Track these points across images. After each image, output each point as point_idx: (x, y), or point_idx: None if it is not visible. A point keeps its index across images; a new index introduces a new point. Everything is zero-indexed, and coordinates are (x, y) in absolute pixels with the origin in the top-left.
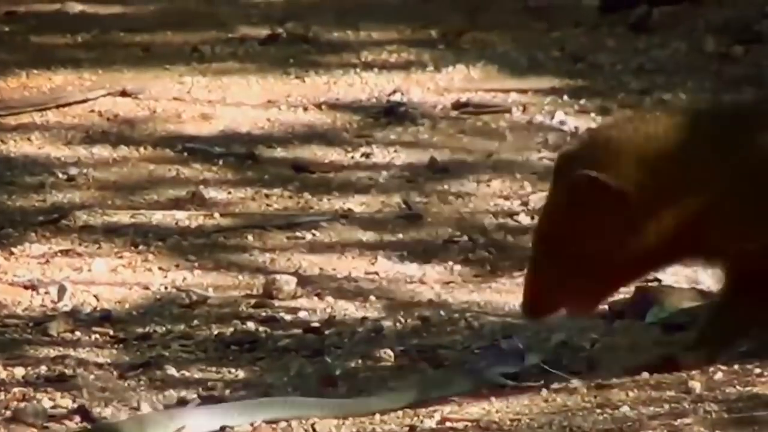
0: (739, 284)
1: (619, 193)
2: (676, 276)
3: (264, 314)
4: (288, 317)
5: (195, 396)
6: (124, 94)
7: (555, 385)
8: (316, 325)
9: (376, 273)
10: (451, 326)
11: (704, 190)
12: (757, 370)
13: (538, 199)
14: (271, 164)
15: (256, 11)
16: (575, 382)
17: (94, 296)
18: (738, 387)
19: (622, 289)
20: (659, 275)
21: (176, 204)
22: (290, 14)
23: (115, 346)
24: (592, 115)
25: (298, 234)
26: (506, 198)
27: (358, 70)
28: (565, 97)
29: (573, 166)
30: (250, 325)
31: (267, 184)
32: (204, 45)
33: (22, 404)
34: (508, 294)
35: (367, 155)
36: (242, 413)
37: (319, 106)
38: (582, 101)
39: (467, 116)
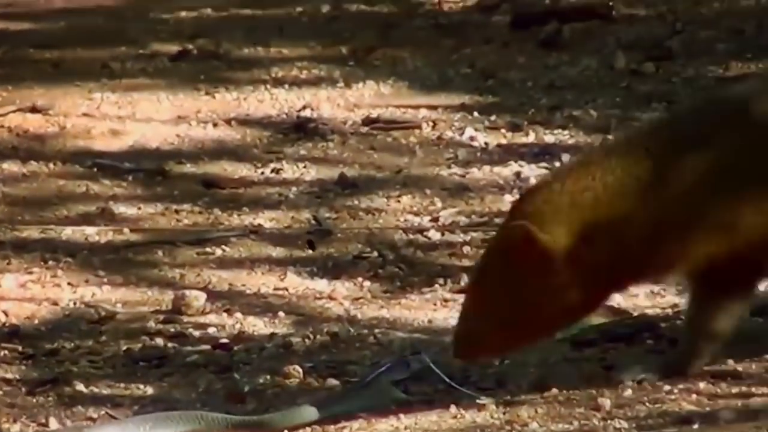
0: (706, 288)
1: (547, 251)
2: None
3: (173, 330)
4: (197, 333)
5: (103, 412)
6: (33, 110)
7: (464, 402)
8: (225, 341)
9: (286, 289)
10: (360, 342)
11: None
12: (666, 387)
13: (448, 215)
14: (180, 180)
15: (167, 27)
16: (484, 399)
17: (3, 312)
18: (647, 404)
19: None
20: None
21: (86, 219)
22: (200, 30)
23: (24, 362)
24: (503, 131)
25: (207, 250)
26: (416, 214)
27: (268, 86)
28: (476, 114)
29: (516, 214)
30: (159, 341)
31: (177, 199)
32: (114, 61)
33: None
34: (417, 310)
35: (276, 171)
36: (153, 427)
37: (229, 122)
38: (492, 117)
39: (377, 132)
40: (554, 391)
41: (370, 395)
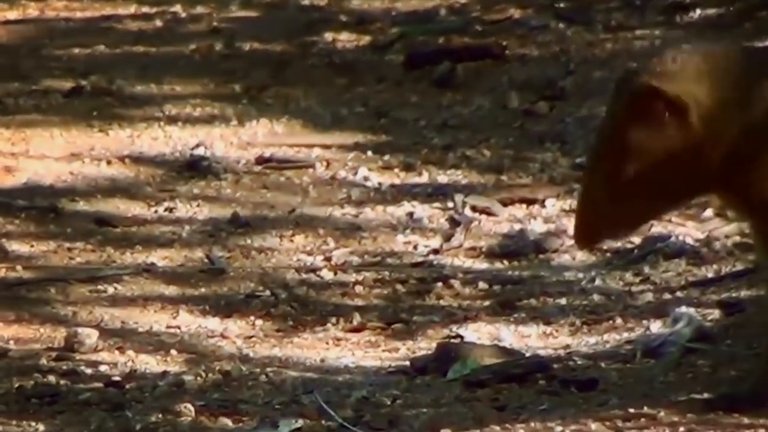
0: None
1: (679, 106)
2: (478, 332)
3: (65, 367)
4: (89, 371)
5: None
6: None
7: None
8: (117, 378)
9: (178, 327)
10: (252, 381)
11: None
12: (559, 429)
13: (341, 254)
14: (73, 218)
15: (60, 64)
16: None
17: None
18: None
19: (426, 346)
20: (462, 332)
21: None
22: (93, 67)
23: None
24: (396, 171)
25: (100, 287)
26: (309, 253)
27: (161, 123)
28: (369, 153)
29: (635, 79)
30: (51, 378)
31: (70, 237)
32: (7, 97)
33: None
34: (309, 349)
35: (170, 209)
36: None
37: (122, 159)
38: (386, 157)
39: (270, 171)
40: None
41: None
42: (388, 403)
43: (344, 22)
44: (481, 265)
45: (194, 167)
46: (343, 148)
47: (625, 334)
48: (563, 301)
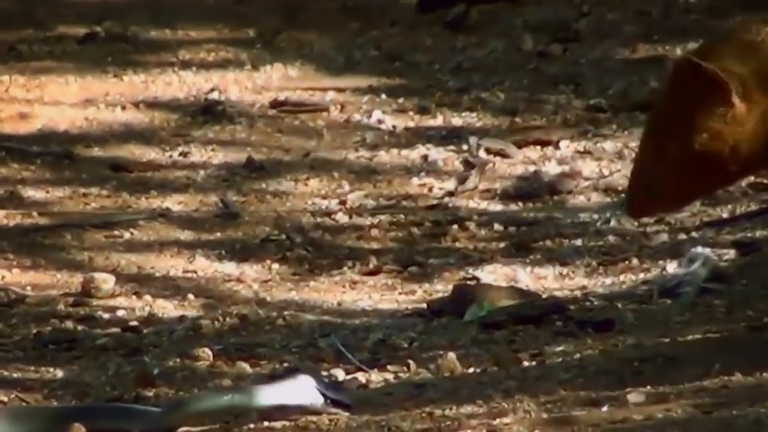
0: None
1: (719, 82)
2: (494, 274)
3: (82, 313)
4: (106, 316)
5: (14, 395)
6: None
7: (374, 384)
8: (135, 323)
9: (194, 271)
10: (269, 325)
11: None
12: (576, 370)
13: (356, 197)
14: (88, 163)
15: (73, 10)
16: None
17: None
18: (556, 386)
19: (442, 288)
20: (478, 274)
21: None
22: (107, 13)
23: None
24: (410, 113)
25: (116, 233)
26: (324, 197)
27: (175, 68)
28: (383, 96)
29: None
30: (69, 324)
31: (85, 183)
32: (21, 44)
33: None
34: (326, 292)
35: (184, 154)
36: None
37: (137, 105)
38: (400, 100)
39: (285, 115)
40: (463, 372)
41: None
42: (405, 345)
43: None
44: (496, 207)
45: (209, 112)
46: (357, 91)
47: (641, 275)
48: (579, 242)
